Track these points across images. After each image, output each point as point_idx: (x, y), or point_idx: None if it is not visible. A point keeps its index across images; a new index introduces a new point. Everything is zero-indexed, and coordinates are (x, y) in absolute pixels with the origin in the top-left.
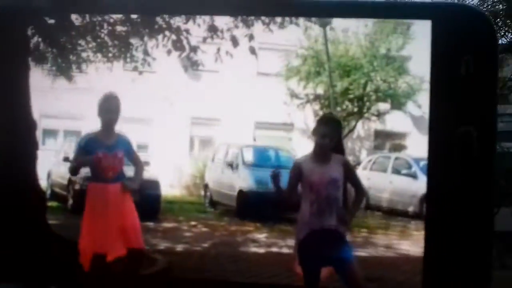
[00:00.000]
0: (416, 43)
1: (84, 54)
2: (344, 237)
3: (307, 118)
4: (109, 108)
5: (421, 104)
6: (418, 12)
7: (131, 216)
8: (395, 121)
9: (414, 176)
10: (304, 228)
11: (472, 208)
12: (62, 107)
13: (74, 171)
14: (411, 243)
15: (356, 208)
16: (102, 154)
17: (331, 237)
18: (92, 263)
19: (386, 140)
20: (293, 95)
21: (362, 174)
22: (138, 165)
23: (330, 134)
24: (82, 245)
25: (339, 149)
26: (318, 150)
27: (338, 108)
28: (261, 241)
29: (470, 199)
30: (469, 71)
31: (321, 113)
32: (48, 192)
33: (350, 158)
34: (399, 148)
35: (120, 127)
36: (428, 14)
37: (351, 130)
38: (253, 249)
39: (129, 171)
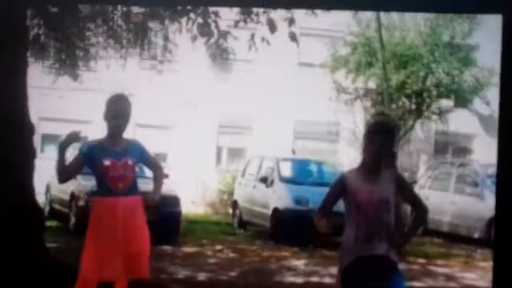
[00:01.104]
0: (485, 30)
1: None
2: (396, 265)
3: (355, 116)
4: (117, 112)
5: (489, 101)
6: (488, 6)
7: (142, 239)
8: (460, 121)
9: (480, 196)
10: (349, 255)
11: None
12: (65, 109)
13: (62, 175)
14: (477, 275)
15: (414, 230)
16: (109, 162)
17: (380, 266)
18: None
19: (448, 143)
20: (341, 89)
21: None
22: (157, 169)
23: (385, 143)
24: (84, 271)
25: (391, 158)
26: (370, 163)
27: (393, 105)
28: (299, 269)
29: None
30: None
31: (372, 110)
32: (47, 209)
33: (406, 166)
34: (464, 152)
35: (132, 135)
36: (499, 7)
37: (408, 131)
38: (290, 278)
39: (142, 183)
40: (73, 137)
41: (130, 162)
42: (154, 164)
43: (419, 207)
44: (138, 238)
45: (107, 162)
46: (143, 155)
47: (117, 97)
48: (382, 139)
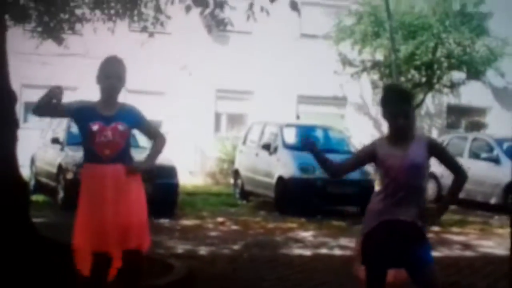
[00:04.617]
0: None
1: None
2: (423, 233)
3: (363, 90)
4: (110, 72)
5: (504, 72)
6: None
7: (135, 209)
8: (472, 93)
9: (496, 160)
10: (373, 220)
11: None
12: (49, 76)
13: (38, 110)
14: (494, 242)
15: (454, 196)
16: (97, 126)
17: (406, 231)
18: (93, 266)
19: (461, 116)
20: (346, 61)
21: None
22: (157, 138)
23: (410, 113)
24: (77, 242)
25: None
26: (398, 133)
27: (402, 78)
28: (306, 240)
29: None
30: None
31: (380, 84)
32: (32, 183)
33: None
34: (477, 126)
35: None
36: None
37: (419, 105)
38: (297, 251)
39: (137, 153)
40: (53, 94)
41: (120, 127)
42: (153, 132)
43: (459, 173)
44: (130, 208)
45: (94, 127)
46: (139, 121)
47: (110, 58)
48: (407, 105)
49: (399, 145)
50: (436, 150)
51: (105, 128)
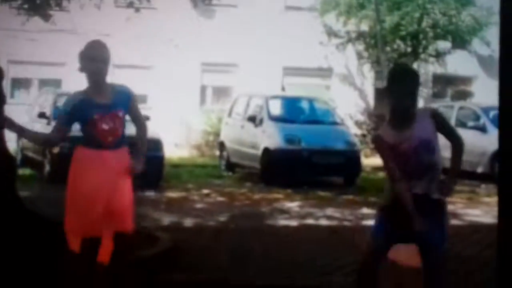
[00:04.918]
0: None
1: None
2: (437, 204)
3: (348, 61)
4: (93, 55)
5: (490, 41)
6: None
7: (128, 192)
8: (458, 62)
9: (483, 129)
10: (387, 194)
11: None
12: (36, 52)
13: (48, 144)
14: (481, 211)
15: (458, 165)
16: (98, 115)
17: (421, 205)
18: (83, 245)
19: (447, 86)
20: (331, 33)
21: None
22: (141, 127)
23: (416, 94)
24: (68, 226)
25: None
26: (403, 114)
27: (388, 48)
28: (292, 211)
29: None
30: None
31: (366, 54)
32: (19, 157)
33: None
34: (463, 95)
35: (111, 77)
36: None
37: None
38: (283, 221)
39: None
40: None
41: (120, 113)
42: (138, 116)
43: (459, 139)
44: (125, 191)
45: (95, 116)
46: (132, 105)
47: (94, 42)
48: (411, 83)
49: (404, 127)
50: (439, 118)
51: (105, 116)
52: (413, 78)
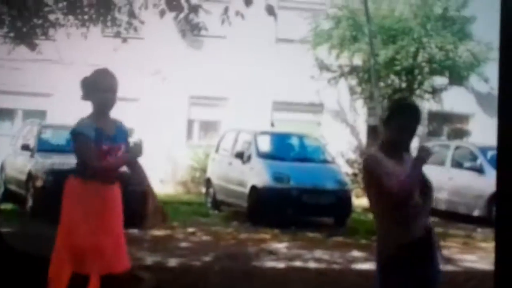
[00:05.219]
0: (482, 0)
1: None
2: (434, 240)
3: (340, 96)
4: (107, 87)
5: (488, 78)
6: None
7: (121, 229)
8: (455, 99)
9: (480, 170)
10: (389, 243)
11: None
12: (22, 81)
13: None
14: (477, 256)
15: (428, 208)
16: (107, 147)
17: (420, 245)
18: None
19: (443, 123)
20: (323, 67)
21: None
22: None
23: (412, 125)
24: (57, 260)
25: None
26: (398, 146)
27: (382, 83)
28: (280, 252)
29: None
30: None
31: (359, 89)
32: (1, 190)
33: None
34: (460, 134)
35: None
36: None
37: None
38: (270, 263)
39: None
40: None
41: (122, 147)
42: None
43: (429, 184)
44: (120, 230)
45: (105, 147)
46: (127, 140)
47: (103, 71)
48: (411, 118)
49: (398, 158)
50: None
51: (114, 148)
52: (417, 116)
